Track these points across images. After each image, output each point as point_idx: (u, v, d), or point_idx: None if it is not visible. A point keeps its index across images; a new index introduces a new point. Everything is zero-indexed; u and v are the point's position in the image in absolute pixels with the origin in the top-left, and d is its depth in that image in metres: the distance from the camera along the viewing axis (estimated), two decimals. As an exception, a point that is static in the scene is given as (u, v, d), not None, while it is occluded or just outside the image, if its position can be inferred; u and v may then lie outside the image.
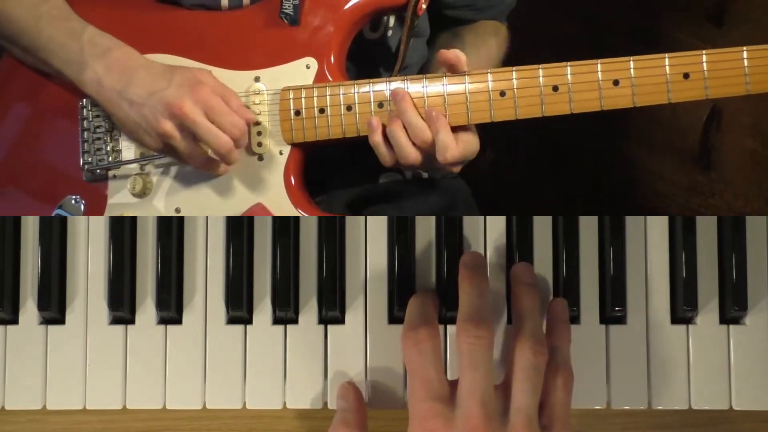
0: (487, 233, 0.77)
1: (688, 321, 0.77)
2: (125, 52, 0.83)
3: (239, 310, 0.76)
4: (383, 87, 0.81)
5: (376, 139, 0.80)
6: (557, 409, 0.70)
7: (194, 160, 0.82)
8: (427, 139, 0.79)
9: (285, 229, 0.77)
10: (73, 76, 0.84)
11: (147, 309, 0.77)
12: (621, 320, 0.77)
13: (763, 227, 0.77)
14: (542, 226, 0.77)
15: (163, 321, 0.77)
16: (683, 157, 1.22)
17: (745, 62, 0.76)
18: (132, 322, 0.77)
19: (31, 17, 0.85)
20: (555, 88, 0.78)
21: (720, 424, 0.77)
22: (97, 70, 0.82)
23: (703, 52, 0.77)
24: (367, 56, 0.90)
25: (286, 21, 0.83)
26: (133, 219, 0.78)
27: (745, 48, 0.76)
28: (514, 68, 0.79)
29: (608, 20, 1.26)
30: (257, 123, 0.83)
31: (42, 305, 0.76)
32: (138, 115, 0.81)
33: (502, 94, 0.79)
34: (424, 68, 0.96)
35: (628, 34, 1.25)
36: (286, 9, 0.82)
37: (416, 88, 0.80)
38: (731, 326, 0.77)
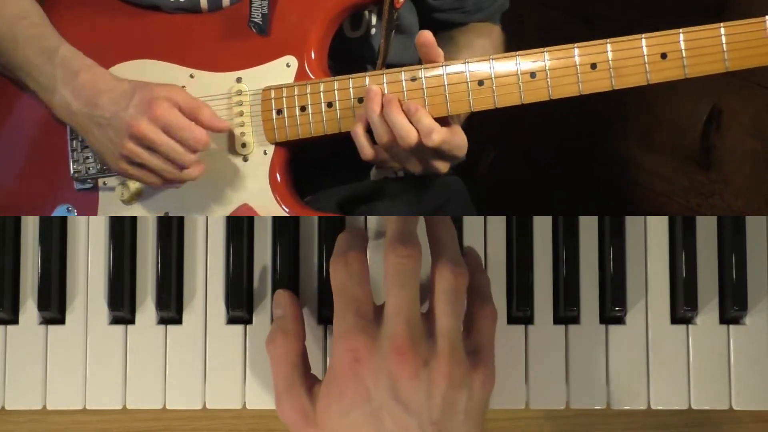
0: (487, 233, 0.77)
1: (688, 321, 0.77)
2: (93, 74, 0.82)
3: (239, 310, 0.76)
4: (363, 83, 0.81)
5: (358, 130, 0.80)
6: (483, 336, 0.70)
7: (162, 174, 0.81)
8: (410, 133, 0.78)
9: (285, 229, 0.77)
10: (46, 101, 0.84)
11: (147, 309, 0.77)
12: (621, 320, 0.77)
13: (763, 227, 0.77)
14: (542, 226, 0.77)
15: (163, 321, 0.77)
16: (683, 157, 1.22)
17: (723, 39, 0.75)
18: (132, 322, 0.77)
19: (8, 35, 0.84)
20: (533, 75, 0.78)
21: (720, 424, 0.77)
22: (65, 95, 0.82)
23: (680, 30, 0.76)
24: (351, 56, 0.89)
25: (254, 30, 0.82)
26: (133, 219, 0.78)
27: (722, 24, 0.76)
28: (491, 56, 0.79)
29: (606, 19, 1.26)
30: (241, 126, 0.83)
31: (42, 305, 0.76)
32: (104, 137, 0.81)
33: (481, 83, 0.78)
34: None
35: (628, 34, 1.25)
36: (254, 18, 0.82)
37: (394, 80, 0.80)
38: (731, 326, 0.77)
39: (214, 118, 0.82)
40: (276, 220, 0.77)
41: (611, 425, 0.78)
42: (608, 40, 0.77)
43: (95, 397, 0.76)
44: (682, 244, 0.76)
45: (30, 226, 0.78)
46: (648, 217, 0.78)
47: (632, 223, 0.77)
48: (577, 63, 0.77)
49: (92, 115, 0.81)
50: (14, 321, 0.77)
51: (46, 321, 0.77)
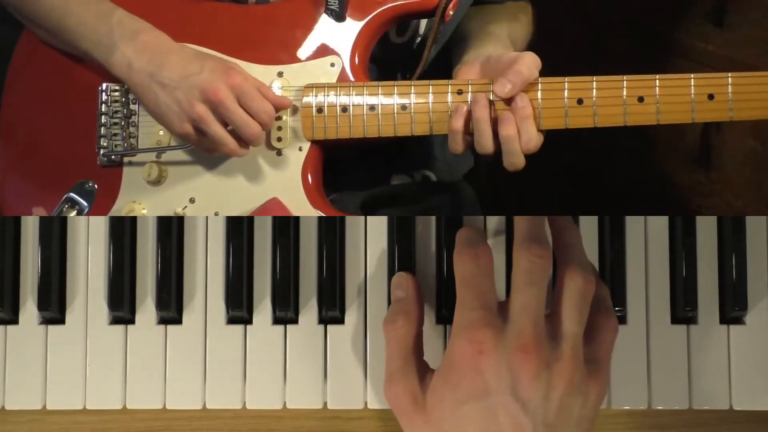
0: (488, 233, 0.78)
1: (688, 321, 0.77)
2: (155, 36, 0.83)
3: (239, 310, 0.76)
4: (408, 90, 0.81)
5: (457, 125, 0.79)
6: (603, 348, 0.69)
7: (221, 146, 0.82)
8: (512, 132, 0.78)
9: (285, 229, 0.77)
10: (102, 59, 0.83)
11: (147, 309, 0.77)
12: (621, 320, 0.77)
13: (763, 227, 0.77)
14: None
15: (163, 321, 0.77)
16: (683, 157, 1.22)
17: None
18: (132, 322, 0.77)
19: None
20: (580, 101, 0.79)
21: (720, 424, 0.77)
22: (126, 53, 0.81)
23: (729, 75, 0.77)
24: (390, 60, 0.90)
25: (331, 17, 0.83)
26: (133, 219, 0.78)
27: None
28: (539, 79, 0.79)
29: (608, 20, 1.26)
30: (279, 120, 0.83)
31: (42, 305, 0.76)
32: (170, 99, 0.80)
33: None
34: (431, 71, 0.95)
35: (628, 34, 1.25)
36: (331, 5, 0.83)
37: (440, 91, 0.81)
38: (731, 326, 0.77)
39: (277, 96, 0.82)
40: (276, 220, 0.77)
41: (611, 425, 0.78)
42: (657, 76, 0.78)
43: (95, 397, 0.76)
44: (682, 244, 0.76)
45: (30, 226, 0.78)
46: (648, 217, 0.78)
47: (632, 223, 0.77)
48: (625, 95, 0.78)
49: (156, 75, 0.81)
50: (14, 321, 0.77)
51: (46, 321, 0.77)
